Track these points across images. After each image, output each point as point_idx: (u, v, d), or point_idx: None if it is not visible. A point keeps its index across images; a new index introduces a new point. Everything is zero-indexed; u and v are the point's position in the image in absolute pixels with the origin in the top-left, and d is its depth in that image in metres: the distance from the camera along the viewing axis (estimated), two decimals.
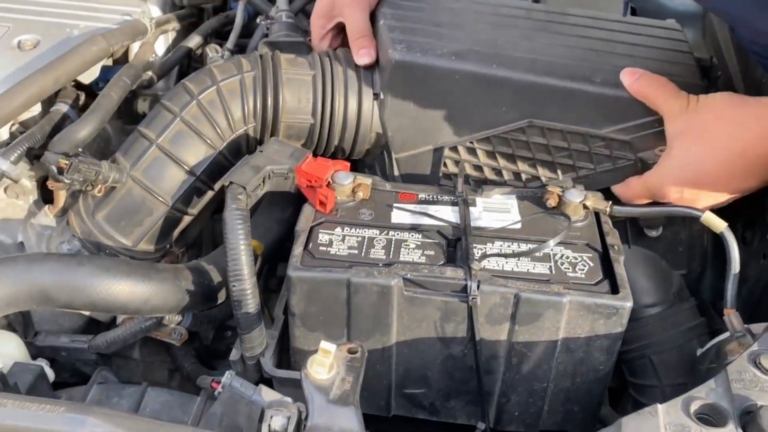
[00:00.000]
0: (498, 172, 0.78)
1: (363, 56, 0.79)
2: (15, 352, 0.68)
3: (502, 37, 0.79)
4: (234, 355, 0.71)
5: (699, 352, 0.73)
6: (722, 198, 0.71)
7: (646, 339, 0.81)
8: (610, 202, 0.71)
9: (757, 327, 0.67)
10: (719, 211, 0.86)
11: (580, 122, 0.74)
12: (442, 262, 0.66)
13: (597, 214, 0.72)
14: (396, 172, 0.81)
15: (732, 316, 0.64)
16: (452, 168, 0.79)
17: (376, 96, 0.78)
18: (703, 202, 0.72)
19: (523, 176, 0.78)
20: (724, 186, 0.70)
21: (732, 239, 0.64)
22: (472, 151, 0.78)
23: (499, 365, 0.67)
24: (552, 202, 0.71)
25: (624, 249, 0.82)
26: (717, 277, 0.87)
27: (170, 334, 0.81)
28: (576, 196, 0.71)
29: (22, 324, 0.78)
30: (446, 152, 0.78)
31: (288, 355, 0.72)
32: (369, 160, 0.86)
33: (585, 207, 0.71)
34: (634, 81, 0.72)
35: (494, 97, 0.74)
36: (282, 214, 0.84)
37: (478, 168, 0.79)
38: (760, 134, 0.66)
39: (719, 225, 0.65)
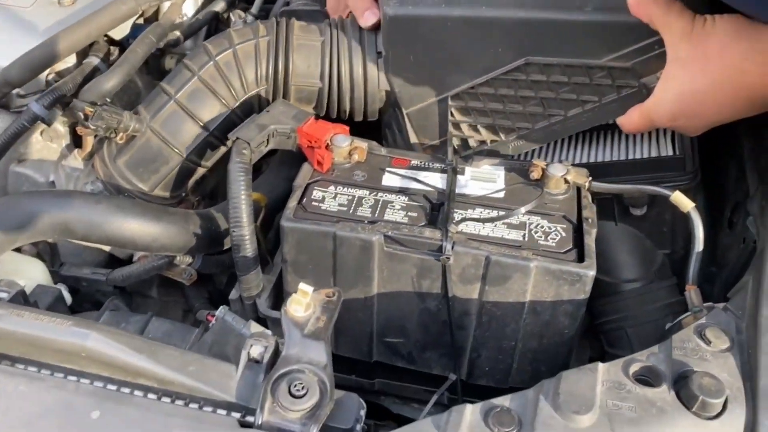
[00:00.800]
0: (504, 115, 0.81)
1: (367, 17, 0.82)
2: (39, 276, 0.77)
3: None
4: (233, 294, 0.78)
5: (667, 326, 0.77)
6: (717, 123, 0.71)
7: (623, 312, 0.85)
8: (590, 178, 0.74)
9: (720, 306, 0.70)
10: (710, 197, 0.89)
11: (577, 54, 0.75)
12: (423, 224, 0.71)
13: (579, 189, 0.76)
14: (409, 127, 0.85)
15: (692, 292, 0.68)
16: (459, 117, 0.82)
17: (379, 54, 0.82)
18: (697, 127, 0.73)
19: (531, 116, 0.80)
20: (722, 115, 0.70)
21: (698, 219, 0.68)
22: (475, 97, 0.81)
23: (471, 322, 0.72)
24: (535, 174, 0.75)
25: (610, 226, 0.87)
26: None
27: (181, 274, 0.88)
28: (558, 170, 0.75)
29: (49, 254, 0.87)
30: (451, 101, 0.81)
31: (283, 298, 0.78)
32: (386, 118, 0.90)
33: (566, 181, 0.75)
34: (637, 0, 0.69)
35: (488, 39, 0.76)
36: (289, 173, 0.90)
37: (484, 113, 0.81)
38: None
39: (687, 204, 0.68)
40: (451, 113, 0.82)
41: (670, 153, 0.82)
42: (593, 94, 0.77)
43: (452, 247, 0.68)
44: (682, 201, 0.68)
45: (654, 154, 0.83)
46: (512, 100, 0.80)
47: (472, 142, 0.85)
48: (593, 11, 0.73)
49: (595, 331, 0.90)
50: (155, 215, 0.75)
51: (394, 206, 0.74)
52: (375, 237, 0.69)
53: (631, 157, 0.84)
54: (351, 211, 0.73)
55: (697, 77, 0.67)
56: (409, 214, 0.73)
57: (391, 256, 0.70)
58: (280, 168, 0.93)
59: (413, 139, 0.87)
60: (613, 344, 0.87)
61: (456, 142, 0.85)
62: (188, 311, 1.02)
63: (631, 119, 0.75)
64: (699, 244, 0.67)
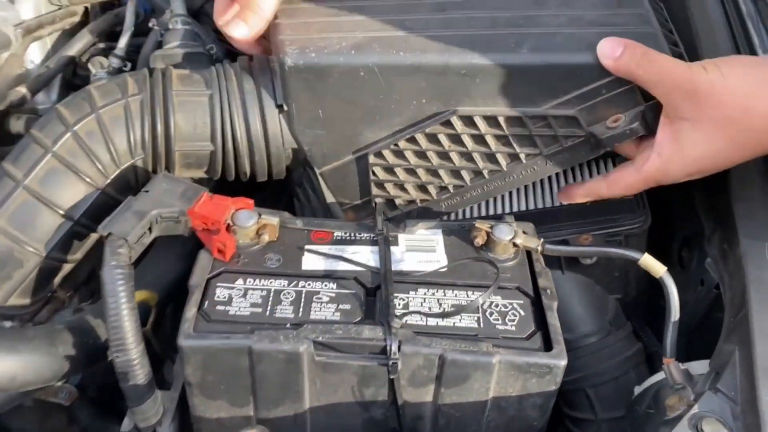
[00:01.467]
0: (434, 173, 0.70)
1: (233, 28, 0.68)
2: None
3: (411, 14, 0.68)
4: (126, 425, 0.62)
5: (636, 390, 0.69)
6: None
7: (581, 371, 0.77)
8: (542, 240, 0.64)
9: (696, 366, 0.63)
10: (654, 231, 0.83)
11: (512, 102, 0.64)
12: (359, 318, 0.59)
13: (529, 252, 0.66)
14: (324, 187, 0.73)
15: (671, 367, 0.60)
16: (382, 175, 0.71)
17: (280, 108, 0.69)
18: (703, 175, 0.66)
19: (464, 173, 0.69)
20: (734, 164, 0.64)
21: (672, 285, 0.59)
22: (399, 155, 0.69)
23: (425, 426, 0.60)
24: (479, 240, 0.65)
25: (557, 275, 0.78)
26: (652, 295, 0.83)
27: (57, 394, 0.71)
28: (505, 233, 0.64)
29: None
30: (372, 159, 0.69)
31: (190, 421, 0.63)
32: (297, 176, 0.77)
33: (515, 245, 0.65)
34: (617, 58, 0.60)
35: (408, 88, 0.64)
36: (184, 247, 0.75)
37: (412, 172, 0.70)
38: None
39: (658, 269, 0.59)
40: (373, 172, 0.70)
41: None
42: (532, 147, 0.67)
43: (398, 348, 0.56)
44: (652, 265, 0.59)
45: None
46: (442, 156, 0.69)
47: (399, 202, 0.73)
48: (529, 53, 0.62)
49: None
50: (9, 346, 0.57)
51: (321, 298, 0.60)
52: (302, 347, 0.56)
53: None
54: (268, 312, 0.59)
55: (718, 140, 0.60)
56: (341, 306, 0.60)
57: (325, 366, 0.57)
58: (172, 242, 0.76)
59: (330, 199, 0.74)
60: (574, 406, 0.78)
61: (380, 201, 0.73)
62: (73, 419, 0.84)
63: (622, 184, 0.67)
64: (675, 313, 0.59)
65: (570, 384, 0.77)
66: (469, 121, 0.66)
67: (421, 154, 0.69)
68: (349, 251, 0.65)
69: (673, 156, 0.63)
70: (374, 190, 0.72)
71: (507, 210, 0.78)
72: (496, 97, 0.64)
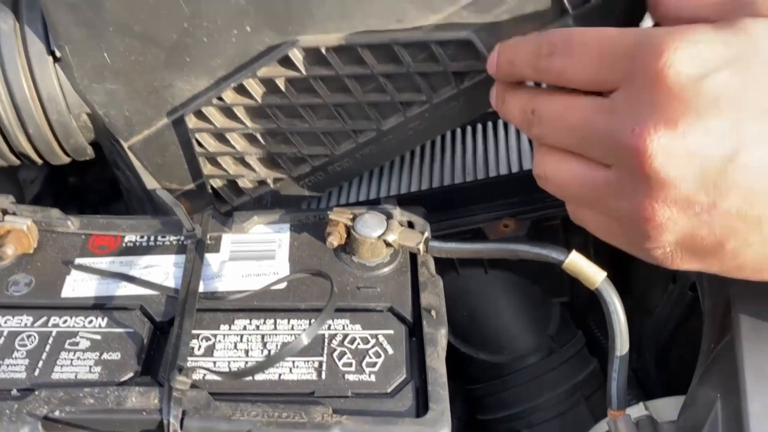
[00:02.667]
0: (284, 138, 0.47)
1: None
2: None
3: None
4: None
5: None
6: None
7: (514, 406, 0.56)
8: (425, 236, 0.43)
9: (664, 408, 0.43)
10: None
11: (375, 23, 0.42)
12: (130, 375, 0.38)
13: (414, 254, 0.44)
14: (139, 167, 0.51)
15: (619, 424, 0.39)
16: (212, 145, 0.48)
17: (54, 56, 0.47)
18: None
19: (325, 137, 0.47)
20: None
21: (616, 301, 0.38)
22: (229, 113, 0.47)
23: None
24: (334, 240, 0.43)
25: (478, 276, 0.57)
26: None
27: None
28: (371, 227, 0.43)
29: None
30: (192, 122, 0.47)
31: None
32: (109, 155, 0.56)
33: (388, 244, 0.43)
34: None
35: (222, 11, 0.42)
36: None
37: (251, 138, 0.48)
38: None
39: (593, 277, 0.38)
40: (197, 141, 0.48)
41: None
42: (416, 91, 0.44)
43: (181, 423, 0.35)
44: (584, 270, 0.38)
45: (516, 167, 0.53)
46: (288, 112, 0.46)
47: (244, 183, 0.51)
48: None
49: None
50: None
51: (76, 344, 0.39)
52: (26, 428, 0.35)
53: (494, 173, 0.54)
54: None
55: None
56: (106, 356, 0.39)
57: None
58: None
59: (151, 184, 0.53)
60: None
61: (219, 184, 0.52)
62: None
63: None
64: (621, 345, 0.38)
65: (499, 424, 0.57)
66: (316, 55, 0.43)
67: (259, 111, 0.46)
68: (142, 264, 0.44)
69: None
70: (206, 168, 0.50)
71: (404, 189, 0.57)
72: (351, 17, 0.41)
